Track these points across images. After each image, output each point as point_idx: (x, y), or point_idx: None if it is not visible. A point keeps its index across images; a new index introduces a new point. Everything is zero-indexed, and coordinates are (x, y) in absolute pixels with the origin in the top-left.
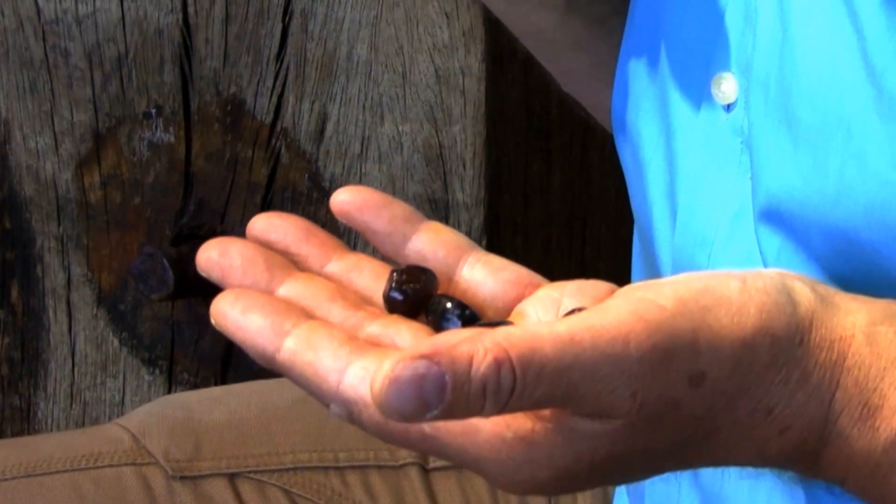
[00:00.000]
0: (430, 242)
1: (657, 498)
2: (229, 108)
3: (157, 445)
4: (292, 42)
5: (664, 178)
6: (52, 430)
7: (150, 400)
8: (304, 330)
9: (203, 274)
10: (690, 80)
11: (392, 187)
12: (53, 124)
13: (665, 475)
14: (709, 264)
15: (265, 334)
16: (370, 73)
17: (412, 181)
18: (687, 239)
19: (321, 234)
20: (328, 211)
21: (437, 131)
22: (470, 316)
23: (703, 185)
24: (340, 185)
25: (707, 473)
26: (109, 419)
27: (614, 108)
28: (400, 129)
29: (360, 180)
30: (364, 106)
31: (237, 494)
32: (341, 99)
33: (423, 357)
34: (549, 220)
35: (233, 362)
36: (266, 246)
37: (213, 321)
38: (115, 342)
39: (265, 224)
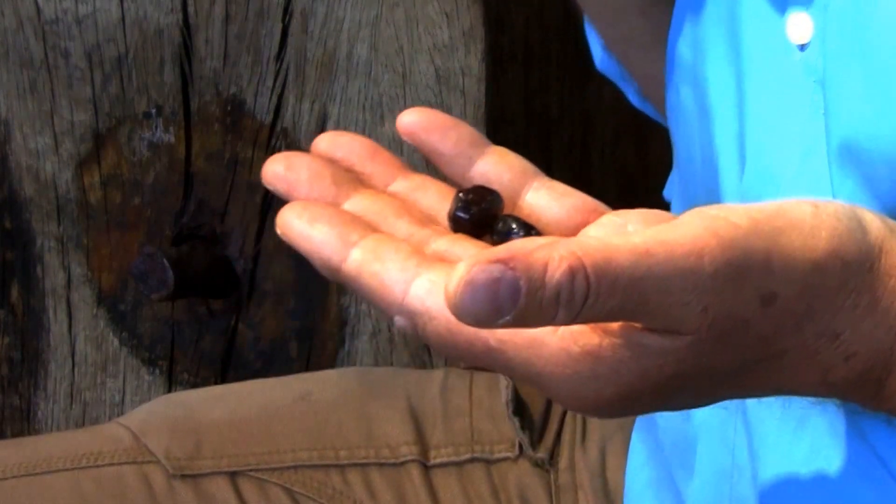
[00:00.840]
0: (496, 165)
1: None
2: (229, 108)
3: (157, 444)
4: (292, 42)
5: (734, 122)
6: (52, 430)
7: (150, 400)
8: (371, 242)
9: (268, 187)
10: (764, 21)
11: None
12: (53, 124)
13: (724, 419)
14: None
15: (331, 245)
16: (370, 73)
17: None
18: (756, 180)
19: (386, 154)
20: None
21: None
22: (536, 236)
23: (774, 126)
24: None
25: (756, 416)
26: (109, 419)
27: (674, 58)
28: None
29: None
30: (364, 106)
31: (238, 493)
32: (341, 99)
33: (498, 261)
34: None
35: (233, 362)
36: (332, 162)
37: (278, 231)
38: (115, 342)
39: (331, 141)
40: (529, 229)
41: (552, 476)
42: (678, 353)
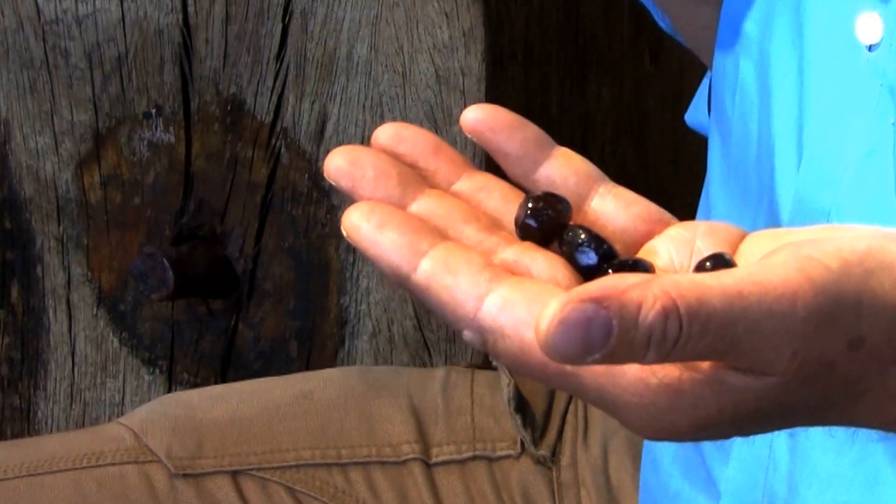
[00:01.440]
0: (562, 169)
1: (745, 455)
2: (229, 108)
3: (159, 443)
4: (292, 42)
5: (793, 108)
6: (52, 431)
7: (150, 400)
8: (442, 251)
9: (331, 181)
10: (832, 15)
11: None
12: (53, 124)
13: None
14: (833, 204)
15: (401, 252)
16: (370, 73)
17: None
18: (812, 175)
19: (450, 150)
20: (328, 211)
21: (437, 131)
22: (606, 251)
23: (835, 123)
24: None
25: (803, 440)
26: (109, 419)
27: (738, 29)
28: None
29: None
30: (364, 106)
31: (240, 492)
32: (341, 99)
33: (592, 300)
34: None
35: (233, 362)
36: (393, 157)
37: (344, 233)
38: (115, 342)
39: (393, 134)
40: (600, 243)
41: (554, 473)
42: (759, 391)
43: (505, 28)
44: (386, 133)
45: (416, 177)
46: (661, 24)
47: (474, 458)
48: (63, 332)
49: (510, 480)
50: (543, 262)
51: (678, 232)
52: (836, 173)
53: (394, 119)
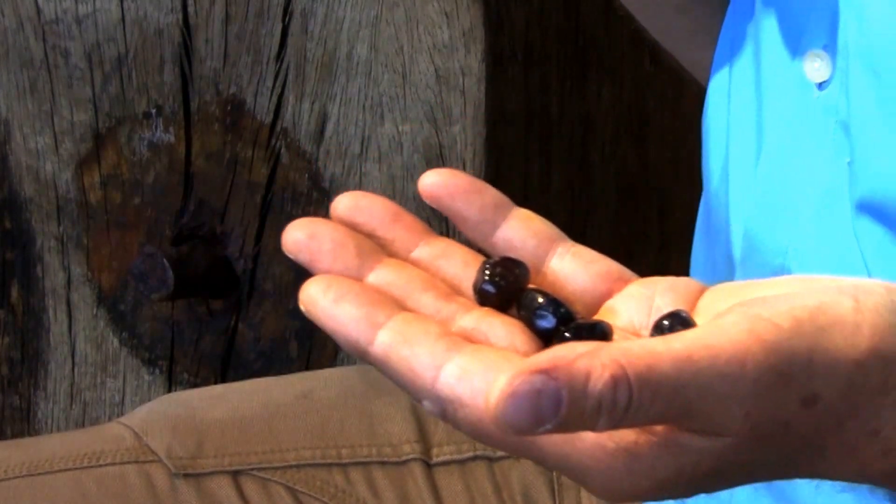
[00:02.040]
0: (520, 231)
1: None
2: (229, 108)
3: (159, 443)
4: (292, 42)
5: (751, 147)
6: (52, 430)
7: (150, 400)
8: (399, 323)
9: (290, 255)
10: (783, 53)
11: (392, 187)
12: (53, 124)
13: None
14: (791, 243)
15: (358, 326)
16: (370, 73)
17: (412, 181)
18: (766, 211)
19: (408, 218)
20: (328, 211)
21: (437, 131)
22: (564, 314)
23: (789, 161)
24: (340, 186)
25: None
26: (109, 419)
27: (714, 65)
28: (400, 129)
29: (360, 180)
30: (364, 106)
31: (240, 492)
32: (341, 99)
33: (540, 372)
34: (549, 219)
35: (232, 362)
36: (352, 227)
37: (302, 308)
38: (115, 342)
39: (351, 203)
40: (557, 306)
41: (555, 474)
42: (716, 452)
43: (505, 28)
44: (344, 203)
45: (374, 247)
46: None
47: (475, 457)
48: (63, 332)
49: (511, 480)
50: (502, 328)
51: (637, 290)
52: (792, 212)
53: (394, 120)
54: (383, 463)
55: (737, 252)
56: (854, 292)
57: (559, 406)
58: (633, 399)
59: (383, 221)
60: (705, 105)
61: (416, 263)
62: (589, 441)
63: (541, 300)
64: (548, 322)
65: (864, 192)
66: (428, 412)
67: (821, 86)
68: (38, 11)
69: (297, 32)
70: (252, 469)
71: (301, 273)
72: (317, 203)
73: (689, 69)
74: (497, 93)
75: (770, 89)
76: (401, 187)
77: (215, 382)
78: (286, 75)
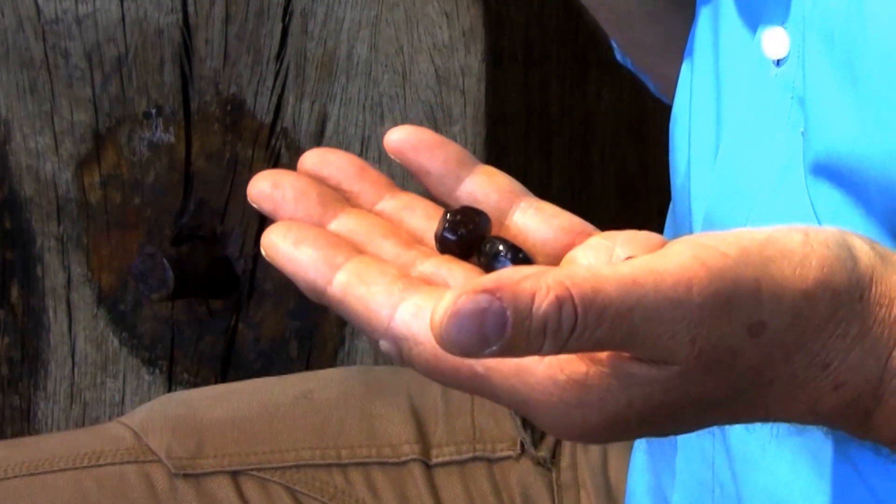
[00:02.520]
0: (483, 185)
1: (692, 454)
2: (229, 108)
3: (159, 443)
4: (292, 42)
5: (711, 129)
6: (52, 430)
7: (150, 400)
8: (357, 264)
9: (254, 205)
10: (741, 32)
11: None
12: (53, 124)
13: (702, 432)
14: (748, 221)
15: (317, 267)
16: (370, 73)
17: (412, 181)
18: (725, 191)
19: (374, 173)
20: None
21: (437, 131)
22: (523, 259)
23: (748, 140)
24: None
25: (736, 435)
26: (109, 419)
27: (684, 65)
28: None
29: None
30: (364, 106)
31: (240, 492)
32: (341, 99)
33: (485, 291)
34: None
35: (232, 362)
36: (318, 181)
37: (263, 253)
38: (115, 342)
39: (318, 159)
40: (517, 252)
41: (554, 475)
42: (665, 382)
43: (505, 28)
44: (311, 158)
45: (337, 197)
46: (655, 92)
47: (474, 458)
48: (63, 332)
49: (510, 481)
50: (461, 274)
51: (598, 241)
52: (751, 191)
53: (394, 120)
54: (383, 464)
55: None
56: (804, 228)
57: (504, 326)
58: (578, 321)
59: (349, 175)
60: (674, 101)
61: (379, 215)
62: (539, 374)
63: (500, 247)
64: (507, 267)
65: (818, 156)
66: (384, 352)
67: (778, 63)
68: (38, 11)
69: (297, 32)
70: (252, 469)
71: None
72: None
73: (657, 87)
74: (497, 92)
75: (728, 71)
76: (401, 187)
77: (215, 382)
78: (286, 75)
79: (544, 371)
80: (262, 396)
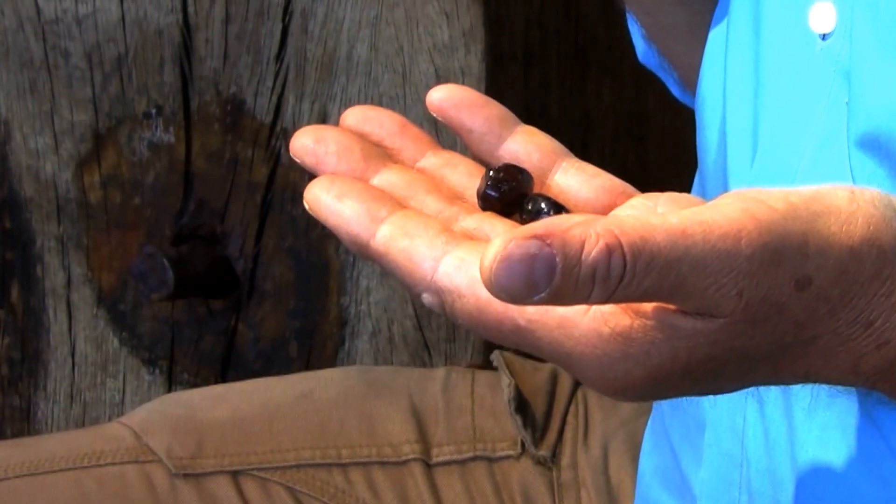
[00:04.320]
0: (525, 145)
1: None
2: (229, 108)
3: (159, 443)
4: (292, 42)
5: (749, 105)
6: (52, 430)
7: (150, 400)
8: (400, 218)
9: (296, 159)
10: (787, 9)
11: None
12: (53, 124)
13: (734, 408)
14: None
15: (360, 220)
16: (370, 73)
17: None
18: (767, 168)
19: (416, 130)
20: None
21: (437, 132)
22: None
23: (790, 115)
24: None
25: (770, 406)
26: (109, 419)
27: (709, 42)
28: None
29: None
30: None
31: (240, 492)
32: (341, 99)
33: (535, 237)
34: None
35: (233, 362)
36: (360, 137)
37: (306, 206)
38: (115, 342)
39: (360, 115)
40: (559, 208)
41: (554, 474)
42: (710, 335)
43: (505, 28)
44: (353, 114)
45: (380, 152)
46: (676, 93)
47: (475, 458)
48: (63, 332)
49: (510, 481)
50: (503, 230)
51: (640, 201)
52: (791, 164)
53: None
54: (383, 463)
55: None
56: (850, 187)
57: (553, 272)
58: (626, 269)
59: (391, 132)
60: (699, 81)
61: (421, 172)
62: (584, 326)
63: (543, 204)
64: None
65: (862, 128)
66: (427, 305)
67: (824, 37)
68: (38, 11)
69: (297, 32)
70: (252, 469)
71: (301, 274)
72: None
73: (680, 78)
74: (497, 93)
75: (770, 45)
76: None
77: (215, 382)
78: (286, 75)
79: (588, 324)
80: (262, 396)
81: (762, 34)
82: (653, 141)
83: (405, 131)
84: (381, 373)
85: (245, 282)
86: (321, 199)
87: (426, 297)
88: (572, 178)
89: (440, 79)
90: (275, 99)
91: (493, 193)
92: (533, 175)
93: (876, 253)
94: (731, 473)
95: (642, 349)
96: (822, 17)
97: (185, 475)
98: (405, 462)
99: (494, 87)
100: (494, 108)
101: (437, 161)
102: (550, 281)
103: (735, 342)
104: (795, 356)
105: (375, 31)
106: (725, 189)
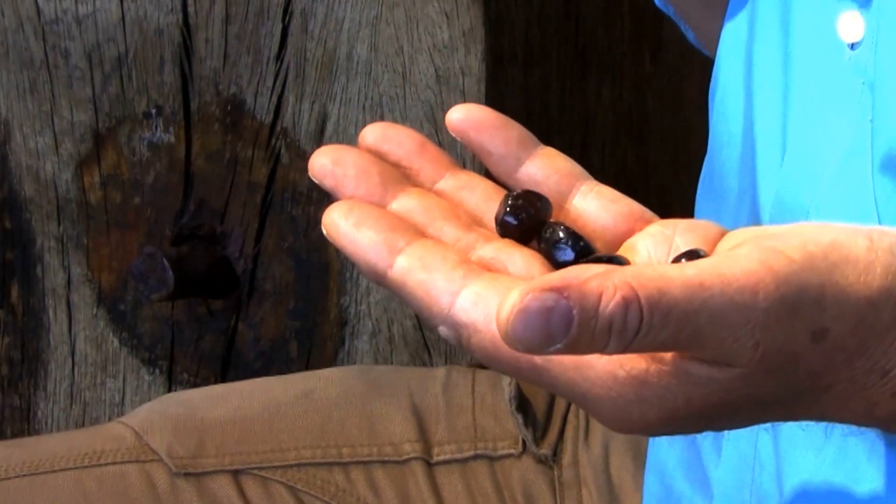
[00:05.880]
0: (544, 168)
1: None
2: (229, 108)
3: (160, 442)
4: (292, 42)
5: (778, 107)
6: (52, 430)
7: (150, 400)
8: (418, 248)
9: (315, 180)
10: (817, 12)
11: None
12: (53, 124)
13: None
14: (812, 202)
15: (378, 250)
16: (370, 73)
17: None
18: (794, 172)
19: (434, 150)
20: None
21: (437, 131)
22: (584, 248)
23: (817, 122)
24: None
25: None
26: (109, 419)
27: (725, 31)
28: None
29: None
30: (364, 106)
31: (241, 491)
32: (341, 99)
33: (552, 289)
34: None
35: (233, 362)
36: (379, 157)
37: (324, 232)
38: (115, 342)
39: (379, 133)
40: (577, 239)
41: (556, 473)
42: (725, 383)
43: (505, 28)
44: (372, 133)
45: (398, 175)
46: (688, 36)
47: (475, 457)
48: (63, 332)
49: (511, 480)
50: (520, 260)
51: (658, 229)
52: (817, 171)
53: (394, 120)
54: (384, 462)
55: (766, 215)
56: (869, 232)
57: (570, 325)
58: (643, 322)
59: (409, 152)
60: (714, 76)
61: (439, 194)
62: (599, 368)
63: (561, 233)
64: (567, 255)
65: (885, 150)
66: (444, 337)
67: (853, 46)
68: (38, 11)
69: (297, 32)
70: (253, 468)
71: (301, 274)
72: (317, 203)
73: (696, 37)
74: (497, 93)
75: (799, 52)
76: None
77: (215, 382)
78: (286, 75)
79: (604, 366)
80: (263, 396)
81: (791, 36)
82: (653, 141)
83: (424, 151)
84: (381, 372)
85: (245, 282)
86: (340, 226)
87: (443, 330)
88: (591, 202)
89: (440, 79)
90: (275, 99)
91: (511, 221)
92: (551, 199)
93: (894, 303)
94: (745, 474)
95: (657, 393)
96: (851, 26)
97: (186, 474)
98: (406, 461)
99: (494, 87)
100: (513, 130)
101: (456, 183)
102: (567, 333)
103: (750, 390)
104: (811, 402)
105: (375, 31)
106: (754, 191)
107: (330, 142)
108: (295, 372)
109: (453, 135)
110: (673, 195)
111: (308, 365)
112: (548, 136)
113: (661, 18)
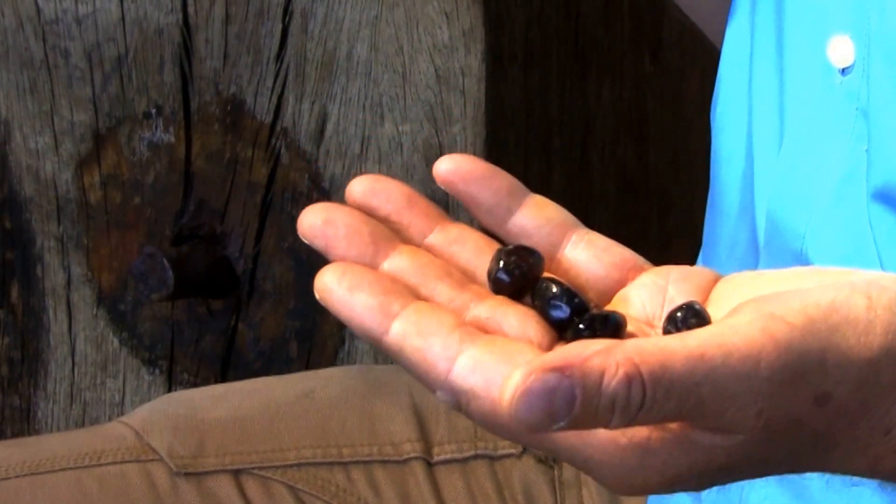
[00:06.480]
0: (535, 218)
1: None
2: (229, 108)
3: (160, 442)
4: (292, 42)
5: (774, 126)
6: (52, 430)
7: (150, 400)
8: (413, 313)
9: (305, 240)
10: (807, 37)
11: None
12: (53, 124)
13: None
14: (807, 228)
15: (373, 315)
16: (370, 73)
17: (412, 181)
18: (788, 196)
19: (423, 203)
20: None
21: (437, 131)
22: (578, 305)
23: (810, 145)
24: (340, 186)
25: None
26: (109, 419)
27: (728, 41)
28: (400, 129)
29: None
30: (364, 106)
31: (241, 491)
32: (341, 99)
33: (554, 369)
34: None
35: (233, 362)
36: (367, 212)
37: (317, 296)
38: (115, 342)
39: (367, 187)
40: (572, 296)
41: (556, 472)
42: (729, 449)
43: (505, 28)
44: (359, 187)
45: (388, 233)
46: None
47: (476, 456)
48: (63, 332)
49: (512, 479)
50: (515, 318)
51: (651, 279)
52: (811, 196)
53: (394, 120)
54: (384, 462)
55: (761, 235)
56: (867, 289)
57: (573, 404)
58: (646, 397)
59: (398, 206)
60: (716, 91)
61: (430, 249)
62: (601, 436)
63: (555, 290)
64: (562, 312)
65: (880, 181)
66: (442, 402)
67: (844, 71)
68: (38, 11)
69: (297, 32)
70: (253, 468)
71: (301, 274)
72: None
73: (704, 27)
74: (497, 93)
75: (793, 73)
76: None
77: (215, 382)
78: (286, 75)
79: (606, 434)
80: (263, 395)
81: (785, 56)
82: (653, 141)
83: (412, 205)
84: (382, 372)
85: (245, 282)
86: (333, 291)
87: (440, 395)
88: (582, 252)
89: (440, 79)
90: (275, 99)
91: (504, 278)
92: (542, 249)
93: (894, 362)
94: (731, 494)
95: (660, 460)
96: (841, 51)
97: (187, 474)
98: (406, 461)
99: (494, 87)
100: (502, 180)
101: (446, 237)
102: (570, 412)
103: (753, 454)
104: (814, 461)
105: (375, 31)
106: (752, 209)
107: (330, 142)
108: (295, 372)
109: (441, 186)
110: (673, 195)
111: (308, 365)
112: (548, 136)
113: (661, 18)
